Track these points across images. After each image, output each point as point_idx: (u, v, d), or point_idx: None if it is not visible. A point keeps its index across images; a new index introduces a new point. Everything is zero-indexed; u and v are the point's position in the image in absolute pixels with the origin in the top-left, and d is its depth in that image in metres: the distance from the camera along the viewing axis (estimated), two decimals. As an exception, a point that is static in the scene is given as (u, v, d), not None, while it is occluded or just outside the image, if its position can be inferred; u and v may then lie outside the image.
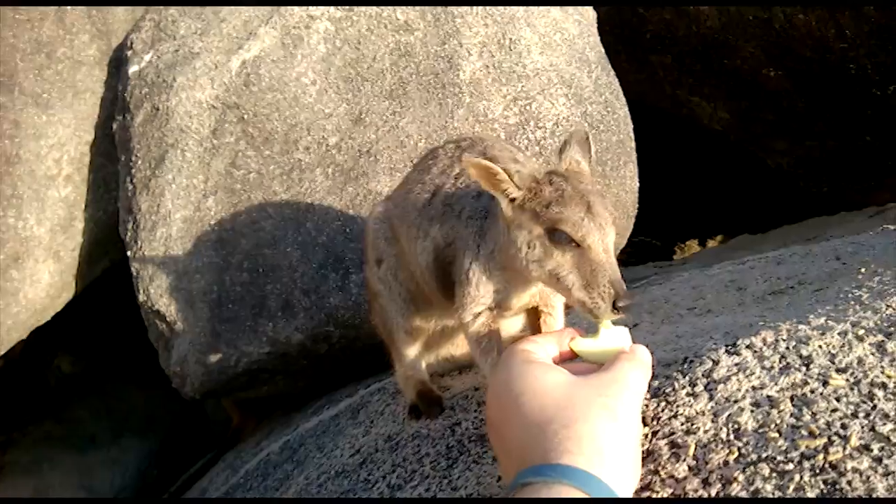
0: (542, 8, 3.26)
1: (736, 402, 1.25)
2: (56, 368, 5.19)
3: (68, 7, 3.67)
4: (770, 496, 1.05)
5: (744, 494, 1.07)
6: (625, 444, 1.10)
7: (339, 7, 3.21)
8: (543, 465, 1.05)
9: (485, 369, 1.66)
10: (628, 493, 1.08)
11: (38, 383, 5.07)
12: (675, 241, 6.24)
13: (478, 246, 1.60)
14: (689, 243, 6.19)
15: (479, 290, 1.60)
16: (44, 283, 3.56)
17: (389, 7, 3.17)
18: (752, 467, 1.11)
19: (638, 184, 3.30)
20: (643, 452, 1.22)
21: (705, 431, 1.22)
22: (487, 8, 3.16)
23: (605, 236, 1.40)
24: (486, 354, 1.63)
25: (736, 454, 1.15)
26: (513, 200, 1.46)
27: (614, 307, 1.35)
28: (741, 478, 1.10)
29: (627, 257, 3.65)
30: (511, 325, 2.01)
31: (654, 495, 1.15)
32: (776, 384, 1.25)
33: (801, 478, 1.06)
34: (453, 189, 1.74)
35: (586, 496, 0.99)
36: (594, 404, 1.12)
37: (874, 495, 1.00)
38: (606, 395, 1.15)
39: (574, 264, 1.40)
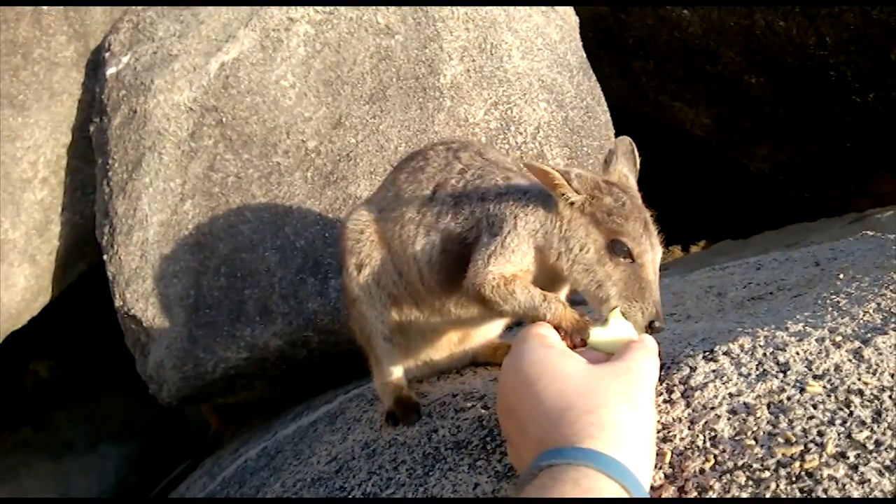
0: (523, 13, 3.26)
1: (713, 409, 1.24)
2: (33, 374, 5.14)
3: (45, 7, 3.63)
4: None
5: (719, 503, 1.07)
6: (643, 431, 1.12)
7: (319, 10, 3.19)
8: (567, 448, 1.06)
9: (531, 310, 1.54)
10: (647, 480, 1.09)
11: (14, 389, 5.01)
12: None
13: (515, 219, 1.58)
14: (673, 249, 6.21)
15: (516, 256, 1.58)
16: (19, 288, 3.51)
17: (370, 11, 3.15)
18: (728, 475, 1.10)
19: (619, 189, 3.30)
20: None
21: (682, 439, 1.21)
22: (469, 13, 3.15)
23: (656, 255, 1.45)
24: (516, 295, 1.55)
25: (712, 462, 1.14)
26: (572, 203, 1.49)
27: (649, 326, 1.39)
28: (717, 486, 1.09)
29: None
30: (492, 328, 2.00)
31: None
32: (753, 391, 1.24)
33: (777, 485, 1.05)
34: (461, 182, 1.75)
35: (612, 481, 1.00)
36: (613, 392, 1.14)
37: None
38: (624, 383, 1.17)
39: (622, 278, 1.42)
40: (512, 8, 3.23)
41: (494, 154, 1.86)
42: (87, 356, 5.12)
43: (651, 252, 1.44)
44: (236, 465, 2.62)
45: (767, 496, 1.04)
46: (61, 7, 3.69)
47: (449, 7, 3.15)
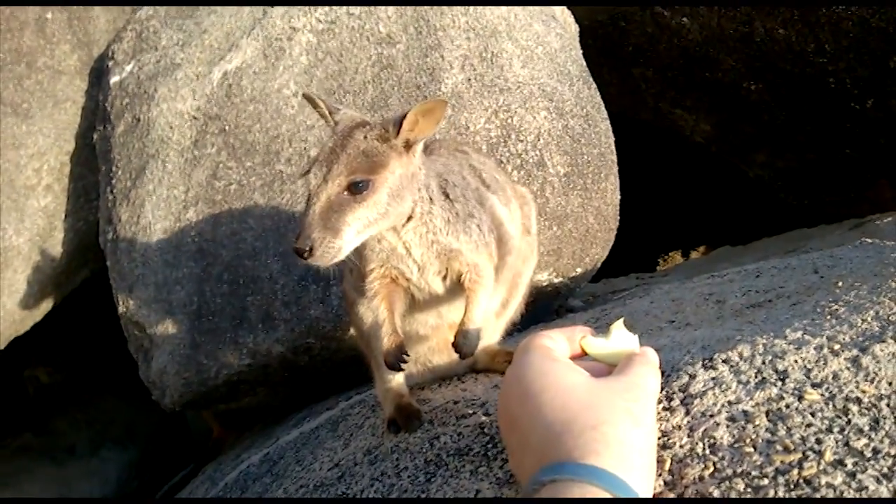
0: (524, 21, 3.27)
1: (712, 416, 1.25)
2: (35, 379, 5.15)
3: (49, 16, 3.65)
4: (745, 512, 1.05)
5: (719, 510, 1.08)
6: (646, 448, 1.11)
7: (321, 19, 3.21)
8: (570, 463, 1.05)
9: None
10: (648, 498, 1.09)
11: (16, 394, 5.02)
12: (659, 252, 6.27)
13: None
14: (673, 255, 6.22)
15: None
16: (22, 294, 3.53)
17: (371, 20, 3.17)
18: (727, 482, 1.11)
19: (619, 196, 3.32)
20: None
21: (681, 446, 1.22)
22: (469, 21, 3.17)
23: (322, 186, 1.54)
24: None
25: (711, 469, 1.15)
26: None
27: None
28: (716, 493, 1.10)
29: (610, 268, 3.67)
30: (488, 332, 2.00)
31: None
32: (752, 399, 1.25)
33: (776, 493, 1.06)
34: None
35: (614, 498, 1.00)
36: (617, 408, 1.13)
37: (847, 511, 1.00)
38: (628, 399, 1.16)
39: None
40: (512, 17, 3.25)
41: (456, 157, 1.89)
42: (89, 362, 5.13)
43: (312, 182, 1.55)
44: (238, 470, 2.63)
45: (766, 503, 1.05)
46: (65, 16, 3.72)
47: (450, 16, 3.16)
